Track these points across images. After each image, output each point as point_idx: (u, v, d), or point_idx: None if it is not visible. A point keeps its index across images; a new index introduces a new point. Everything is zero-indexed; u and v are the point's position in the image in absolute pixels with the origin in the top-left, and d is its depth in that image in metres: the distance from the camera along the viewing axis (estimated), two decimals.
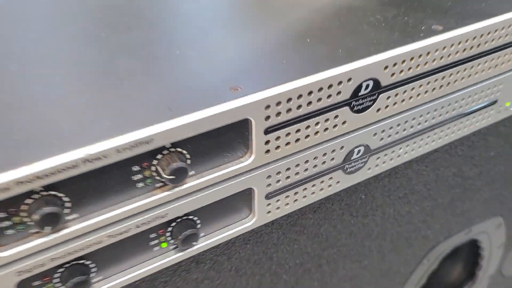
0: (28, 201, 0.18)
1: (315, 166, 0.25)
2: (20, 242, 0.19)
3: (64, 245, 0.20)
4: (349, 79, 0.23)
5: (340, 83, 0.23)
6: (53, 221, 0.19)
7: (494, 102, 0.31)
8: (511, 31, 0.28)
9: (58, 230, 0.19)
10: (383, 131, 0.27)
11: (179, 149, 0.20)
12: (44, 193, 0.18)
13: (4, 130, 0.19)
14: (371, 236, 0.36)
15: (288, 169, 0.24)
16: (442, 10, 0.28)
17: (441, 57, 0.26)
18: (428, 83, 0.26)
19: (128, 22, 0.28)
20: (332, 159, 0.26)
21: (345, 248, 0.35)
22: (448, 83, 0.27)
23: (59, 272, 0.21)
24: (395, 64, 0.24)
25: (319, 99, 0.23)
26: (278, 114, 0.22)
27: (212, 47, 0.25)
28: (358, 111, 0.25)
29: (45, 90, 0.22)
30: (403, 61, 0.24)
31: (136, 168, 0.20)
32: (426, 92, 0.27)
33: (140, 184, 0.21)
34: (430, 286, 0.49)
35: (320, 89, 0.22)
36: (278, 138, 0.23)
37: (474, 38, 0.26)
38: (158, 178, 0.21)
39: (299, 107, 0.22)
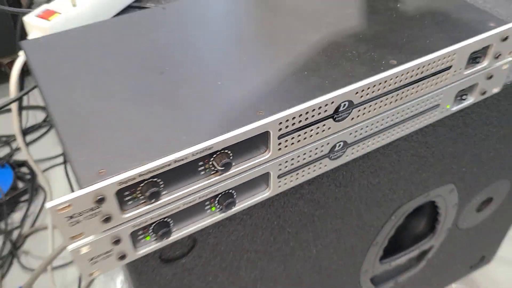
0: (142, 184, 0.31)
1: (310, 156, 0.38)
2: (135, 208, 0.32)
3: (160, 210, 0.33)
4: (332, 102, 0.35)
5: (326, 105, 0.35)
6: (155, 196, 0.31)
7: (438, 105, 0.44)
8: (445, 61, 0.40)
9: (157, 200, 0.32)
10: (356, 131, 0.39)
11: (227, 151, 0.33)
12: (150, 180, 0.31)
13: (123, 143, 0.32)
14: (351, 200, 0.49)
15: (292, 159, 0.37)
16: (398, 47, 0.40)
17: (395, 83, 0.38)
18: (387, 98, 0.39)
19: (175, 62, 0.40)
20: (322, 151, 0.38)
21: (331, 209, 0.48)
22: (402, 97, 0.40)
23: (154, 227, 0.34)
24: (363, 90, 0.36)
25: (313, 116, 0.35)
26: (287, 127, 0.34)
27: (241, 80, 0.37)
28: (338, 121, 0.37)
29: (136, 117, 0.34)
30: (369, 88, 0.37)
31: (201, 162, 0.33)
32: (385, 104, 0.39)
33: (202, 172, 0.33)
34: (398, 237, 0.63)
35: (313, 110, 0.35)
36: (286, 140, 0.35)
37: (419, 68, 0.39)
38: (213, 168, 0.33)
39: (299, 121, 0.35)
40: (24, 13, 0.53)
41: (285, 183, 0.38)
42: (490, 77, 0.45)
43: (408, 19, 0.44)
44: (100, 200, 0.29)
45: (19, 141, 0.59)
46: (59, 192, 1.19)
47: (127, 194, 0.31)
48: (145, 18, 0.45)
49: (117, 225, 0.31)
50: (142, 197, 0.32)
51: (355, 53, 0.39)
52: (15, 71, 0.52)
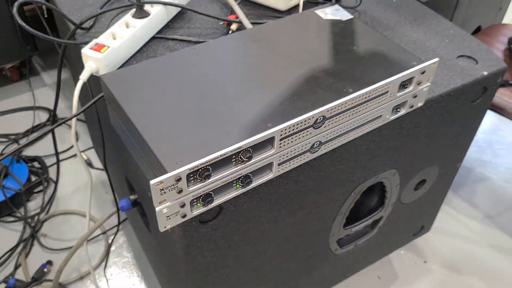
0: (200, 169, 0.51)
1: (298, 151, 0.59)
2: (195, 185, 0.51)
3: (207, 186, 0.53)
4: (313, 117, 0.56)
5: (310, 119, 0.56)
6: (207, 177, 0.51)
7: (380, 116, 0.66)
8: (384, 89, 0.61)
9: (207, 180, 0.52)
10: (327, 134, 0.60)
11: (249, 148, 0.53)
12: (206, 167, 0.51)
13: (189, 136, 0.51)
14: (323, 180, 0.71)
15: (287, 153, 0.58)
16: (354, 79, 0.61)
17: (352, 103, 0.59)
18: (347, 113, 0.60)
19: (210, 89, 0.59)
20: (305, 148, 0.59)
21: (310, 187, 0.69)
22: (357, 112, 0.61)
23: (203, 197, 0.54)
24: (332, 109, 0.57)
25: (301, 126, 0.56)
26: (285, 133, 0.55)
27: (253, 103, 0.57)
28: (316, 128, 0.58)
29: (192, 125, 0.54)
30: (335, 107, 0.58)
31: (233, 156, 0.53)
32: (346, 117, 0.60)
33: (234, 162, 0.53)
34: (356, 209, 0.85)
35: (301, 122, 0.55)
36: (284, 141, 0.56)
37: (367, 94, 0.60)
38: (240, 159, 0.54)
39: (293, 130, 0.55)
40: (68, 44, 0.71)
41: (282, 169, 0.59)
42: (415, 96, 0.67)
43: (360, 58, 0.65)
44: (178, 180, 0.49)
45: (75, 149, 0.77)
46: (66, 183, 1.36)
47: (191, 175, 0.51)
48: (184, 56, 0.64)
49: (185, 195, 0.51)
50: (199, 178, 0.51)
51: (326, 83, 0.60)
52: (77, 92, 0.71)
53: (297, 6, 0.91)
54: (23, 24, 0.68)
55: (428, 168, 0.89)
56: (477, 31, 1.47)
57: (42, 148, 1.44)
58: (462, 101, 0.79)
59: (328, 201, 0.76)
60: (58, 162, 0.93)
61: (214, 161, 0.51)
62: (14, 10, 0.70)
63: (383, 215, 0.91)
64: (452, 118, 0.81)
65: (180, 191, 0.50)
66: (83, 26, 0.81)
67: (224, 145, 0.51)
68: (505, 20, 1.63)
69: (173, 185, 0.49)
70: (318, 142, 0.60)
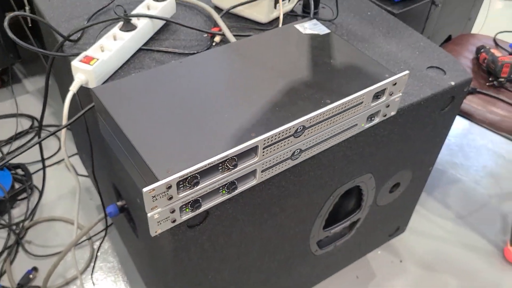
0: (188, 177, 0.54)
1: (280, 158, 0.63)
2: (184, 191, 0.55)
3: (196, 192, 0.56)
4: (294, 127, 0.60)
5: (291, 129, 0.60)
6: (196, 184, 0.55)
7: (356, 125, 0.70)
8: (359, 99, 0.66)
9: (196, 187, 0.56)
10: (307, 142, 0.65)
11: (234, 157, 0.57)
12: (194, 174, 0.55)
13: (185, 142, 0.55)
14: (303, 185, 0.75)
15: (270, 161, 0.62)
16: (331, 91, 0.65)
17: (329, 113, 0.64)
18: (325, 123, 0.64)
19: (198, 100, 0.63)
20: (287, 155, 0.63)
21: (291, 191, 0.74)
22: (334, 121, 0.66)
23: (191, 203, 0.57)
24: (311, 119, 0.62)
25: (282, 135, 0.60)
26: (268, 142, 0.59)
27: (238, 113, 0.61)
28: (297, 137, 0.62)
29: (182, 135, 0.58)
30: (314, 117, 0.62)
31: (220, 164, 0.57)
32: (324, 126, 0.65)
33: (220, 169, 0.57)
34: (335, 212, 0.89)
35: (283, 132, 0.59)
36: (267, 150, 0.60)
37: (343, 104, 0.65)
38: (226, 167, 0.57)
39: (275, 139, 0.59)
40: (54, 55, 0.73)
41: (265, 175, 0.63)
42: (388, 106, 0.72)
43: (337, 71, 0.70)
44: (169, 187, 0.53)
45: (66, 162, 0.79)
46: (50, 190, 1.37)
47: (180, 182, 0.55)
48: (171, 70, 0.68)
49: (175, 201, 0.55)
50: (188, 185, 0.55)
51: (305, 95, 0.65)
52: (67, 103, 0.73)
53: (277, 18, 0.95)
54: (16, 39, 0.71)
55: (401, 172, 0.94)
56: (447, 40, 1.54)
57: (25, 155, 1.45)
58: (432, 109, 0.84)
59: (308, 205, 0.80)
60: (44, 169, 0.95)
61: (202, 169, 0.54)
62: (5, 24, 0.73)
63: (360, 217, 0.96)
64: (423, 124, 0.86)
65: (170, 198, 0.54)
66: (71, 38, 0.84)
67: (211, 154, 0.55)
68: (474, 30, 1.71)
69: (164, 192, 0.53)
70: (298, 150, 0.64)
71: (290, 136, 0.61)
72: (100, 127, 0.67)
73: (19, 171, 1.39)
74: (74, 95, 0.74)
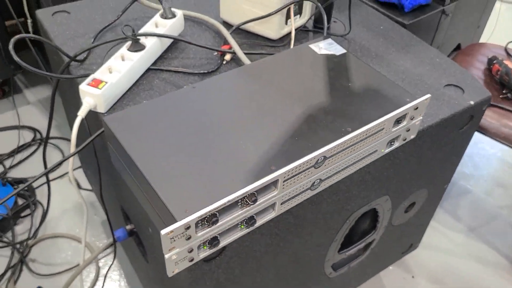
0: (207, 216, 0.52)
1: (300, 190, 0.60)
2: (202, 230, 0.52)
3: (214, 230, 0.54)
4: (315, 158, 0.58)
5: (312, 160, 0.57)
6: (215, 223, 0.52)
7: (376, 151, 0.68)
8: (380, 126, 0.64)
9: (215, 225, 0.53)
10: (327, 172, 0.62)
11: (253, 192, 0.55)
12: (213, 213, 0.52)
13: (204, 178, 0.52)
14: (321, 212, 0.73)
15: (290, 192, 0.59)
16: (351, 118, 0.63)
17: (350, 142, 0.61)
18: (345, 151, 0.62)
19: (214, 128, 0.60)
20: (306, 186, 0.61)
21: (308, 219, 0.71)
22: (354, 149, 0.63)
23: (209, 240, 0.55)
24: (332, 149, 0.59)
25: (303, 167, 0.57)
26: (289, 175, 0.56)
27: (256, 143, 0.59)
28: (317, 168, 0.60)
29: (199, 170, 0.55)
30: (335, 147, 0.59)
31: (239, 200, 0.54)
32: (345, 154, 0.62)
33: (239, 205, 0.55)
34: (350, 234, 0.87)
35: (303, 164, 0.57)
36: (287, 183, 0.57)
37: (364, 132, 0.62)
38: (246, 203, 0.55)
39: (296, 171, 0.57)
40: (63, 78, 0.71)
41: (284, 207, 0.61)
42: (408, 130, 0.70)
43: (356, 95, 0.67)
44: (187, 228, 0.50)
45: (71, 178, 0.77)
46: (53, 206, 1.35)
47: (199, 221, 0.52)
48: (184, 96, 0.65)
49: (193, 241, 0.52)
50: (207, 223, 0.52)
51: (325, 122, 0.62)
52: (75, 129, 0.71)
53: (289, 34, 0.92)
54: (23, 63, 0.68)
55: (417, 192, 0.92)
56: (457, 48, 1.52)
57: (28, 169, 1.43)
58: (451, 128, 0.82)
59: (325, 230, 0.78)
60: (48, 185, 0.92)
61: (221, 207, 0.52)
62: (10, 47, 0.70)
63: (375, 238, 0.93)
64: (441, 144, 0.84)
65: (188, 238, 0.51)
66: (78, 58, 0.81)
67: (231, 190, 0.52)
68: (483, 38, 1.69)
69: (182, 233, 0.50)
70: (318, 180, 0.62)
71: (310, 167, 0.58)
72: (111, 158, 0.65)
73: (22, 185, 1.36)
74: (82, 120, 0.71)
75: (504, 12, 2.31)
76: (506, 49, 1.34)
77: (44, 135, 1.54)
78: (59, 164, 0.68)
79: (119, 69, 0.75)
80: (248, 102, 0.65)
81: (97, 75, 0.73)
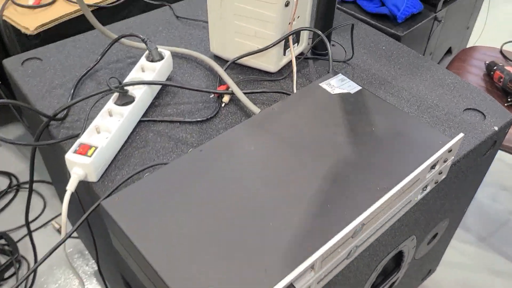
0: None
1: (338, 262, 0.53)
2: None
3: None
4: (354, 228, 0.50)
5: (350, 232, 0.50)
6: None
7: (410, 201, 0.61)
8: (416, 178, 0.57)
9: None
10: (363, 238, 0.55)
11: (292, 284, 0.47)
12: None
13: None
14: (351, 270, 0.65)
15: (327, 269, 0.51)
16: (385, 172, 0.56)
17: (389, 201, 0.54)
18: (382, 212, 0.55)
19: (229, 203, 0.52)
20: (343, 257, 0.53)
21: (339, 279, 0.64)
22: (391, 207, 0.56)
23: None
24: (372, 214, 0.52)
25: (342, 241, 0.50)
26: (328, 253, 0.49)
27: (283, 219, 0.51)
28: (354, 237, 0.52)
29: (211, 259, 0.47)
30: (374, 212, 0.52)
31: None
32: (381, 216, 0.55)
33: None
34: (376, 279, 0.80)
35: (342, 238, 0.49)
36: (326, 259, 0.49)
37: (404, 187, 0.55)
38: None
39: (335, 247, 0.49)
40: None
41: (320, 285, 0.53)
42: (441, 173, 0.63)
43: (383, 142, 0.60)
44: None
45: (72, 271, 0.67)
46: (38, 259, 1.23)
47: None
48: (191, 164, 0.56)
49: None
50: None
51: (355, 181, 0.54)
52: (65, 207, 0.61)
53: (288, 64, 0.85)
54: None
55: (440, 223, 0.86)
56: (448, 52, 1.47)
57: (5, 222, 1.31)
58: (475, 157, 0.76)
59: (354, 285, 0.70)
60: (32, 240, 0.82)
61: None
62: None
63: (399, 276, 0.87)
64: (465, 174, 0.78)
65: None
66: (57, 117, 0.71)
67: (265, 285, 0.44)
68: (472, 38, 1.65)
69: None
70: (354, 248, 0.54)
71: (348, 238, 0.51)
72: (113, 242, 0.56)
73: (2, 241, 1.24)
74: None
75: (491, 10, 2.29)
76: (502, 52, 1.29)
77: (21, 180, 1.42)
78: (45, 258, 0.59)
79: (108, 128, 0.66)
80: (265, 164, 0.57)
81: (84, 139, 0.64)
